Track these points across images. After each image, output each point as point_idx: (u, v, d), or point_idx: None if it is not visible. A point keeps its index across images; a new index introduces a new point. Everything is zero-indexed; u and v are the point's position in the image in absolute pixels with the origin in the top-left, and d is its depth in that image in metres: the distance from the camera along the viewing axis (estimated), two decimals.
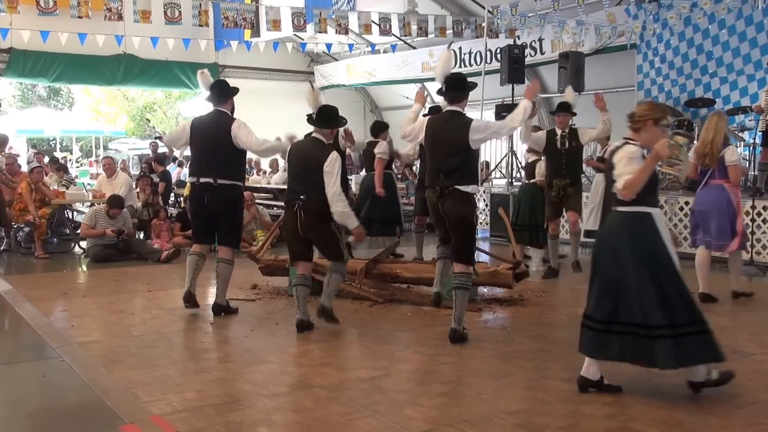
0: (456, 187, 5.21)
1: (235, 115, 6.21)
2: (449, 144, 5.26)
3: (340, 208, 5.46)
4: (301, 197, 5.51)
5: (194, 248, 6.32)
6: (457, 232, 5.30)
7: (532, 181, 8.97)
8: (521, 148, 14.13)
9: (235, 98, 6.34)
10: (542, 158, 8.54)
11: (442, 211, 5.26)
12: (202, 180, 6.04)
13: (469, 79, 5.55)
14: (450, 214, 5.24)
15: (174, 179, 15.95)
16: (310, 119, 5.74)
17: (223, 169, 5.98)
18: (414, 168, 15.20)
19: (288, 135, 6.24)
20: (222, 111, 6.14)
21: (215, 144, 5.99)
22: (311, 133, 5.82)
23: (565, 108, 7.91)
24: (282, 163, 15.28)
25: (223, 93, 6.18)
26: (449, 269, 5.59)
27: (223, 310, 6.16)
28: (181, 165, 16.99)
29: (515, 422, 3.71)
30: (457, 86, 5.39)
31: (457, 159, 5.23)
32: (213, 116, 6.17)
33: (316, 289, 6.05)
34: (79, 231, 10.22)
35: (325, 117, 5.68)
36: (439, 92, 5.51)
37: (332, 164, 5.44)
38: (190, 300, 6.15)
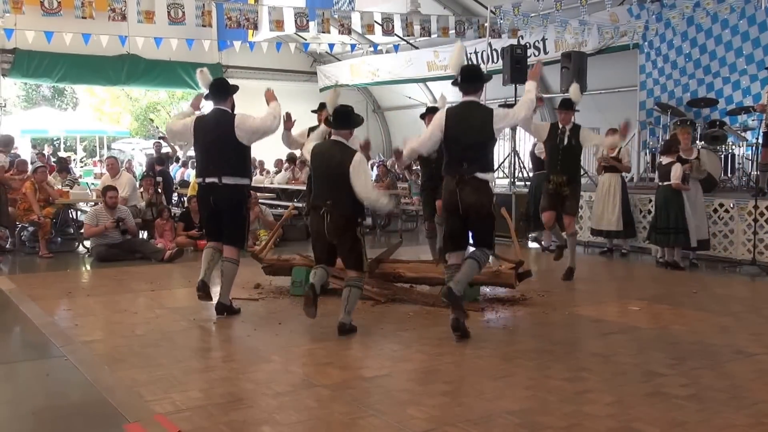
0: (475, 174, 5.27)
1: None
2: (473, 133, 5.31)
3: (373, 198, 5.52)
4: (328, 202, 5.49)
5: (209, 244, 6.28)
6: (476, 222, 5.36)
7: (666, 183, 8.79)
8: (524, 148, 14.17)
9: (239, 98, 6.35)
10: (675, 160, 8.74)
11: (460, 198, 5.26)
12: (207, 180, 6.04)
13: None
14: (468, 202, 5.26)
15: (178, 179, 16.00)
16: (327, 122, 5.81)
17: (228, 168, 5.98)
18: (414, 168, 15.24)
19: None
20: (222, 109, 6.14)
21: (218, 142, 5.99)
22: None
23: (568, 105, 7.91)
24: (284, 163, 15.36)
25: (222, 91, 6.17)
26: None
27: (226, 309, 6.16)
28: (185, 165, 17.01)
29: (517, 422, 3.72)
30: (473, 77, 5.49)
31: (481, 148, 5.33)
32: (214, 115, 6.17)
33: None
34: (82, 231, 10.26)
35: (342, 118, 5.69)
36: (454, 83, 5.54)
37: (357, 168, 5.42)
38: (204, 289, 6.07)
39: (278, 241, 7.60)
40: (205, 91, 6.21)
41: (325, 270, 5.67)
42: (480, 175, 5.29)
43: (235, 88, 6.29)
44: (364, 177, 5.47)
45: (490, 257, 5.79)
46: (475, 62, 15.94)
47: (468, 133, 5.33)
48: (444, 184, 5.48)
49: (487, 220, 5.41)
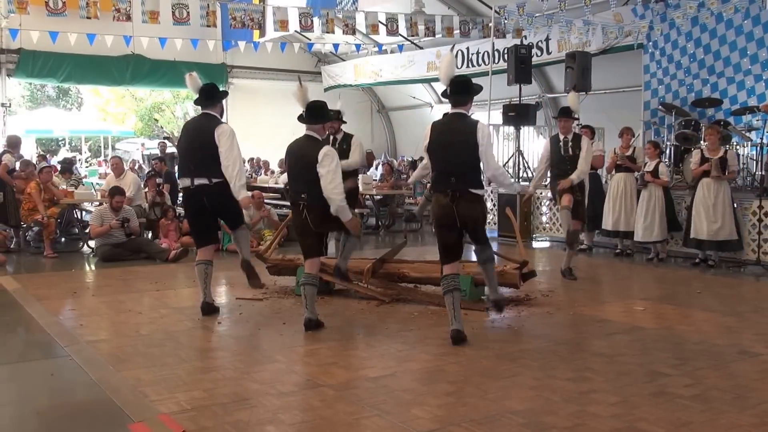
0: (469, 190, 5.22)
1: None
2: (457, 146, 5.23)
3: (336, 203, 5.47)
4: (302, 196, 5.55)
5: (200, 255, 6.23)
6: (474, 230, 5.42)
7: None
8: (528, 148, 14.17)
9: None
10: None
11: (457, 213, 5.21)
12: (197, 182, 6.00)
13: (476, 80, 5.55)
14: (466, 215, 5.23)
15: None
16: (300, 118, 5.76)
17: (215, 169, 5.96)
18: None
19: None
20: (211, 114, 6.14)
21: (204, 145, 5.97)
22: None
23: (566, 113, 7.84)
24: None
25: (210, 96, 6.16)
26: (459, 302, 5.36)
27: (248, 268, 6.37)
28: None
29: (522, 422, 3.72)
30: (461, 89, 5.35)
31: (466, 160, 5.23)
32: (201, 118, 6.20)
33: (323, 289, 6.07)
34: (87, 230, 10.29)
35: (314, 113, 5.69)
36: (444, 94, 5.49)
37: (324, 161, 5.44)
38: (209, 310, 6.15)
39: (283, 241, 7.61)
40: (194, 95, 6.20)
41: (314, 284, 5.71)
42: (473, 190, 5.25)
43: (225, 94, 6.33)
44: (331, 174, 5.42)
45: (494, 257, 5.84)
46: (477, 63, 15.93)
47: (451, 142, 5.26)
48: (434, 200, 5.40)
49: (482, 224, 5.52)
